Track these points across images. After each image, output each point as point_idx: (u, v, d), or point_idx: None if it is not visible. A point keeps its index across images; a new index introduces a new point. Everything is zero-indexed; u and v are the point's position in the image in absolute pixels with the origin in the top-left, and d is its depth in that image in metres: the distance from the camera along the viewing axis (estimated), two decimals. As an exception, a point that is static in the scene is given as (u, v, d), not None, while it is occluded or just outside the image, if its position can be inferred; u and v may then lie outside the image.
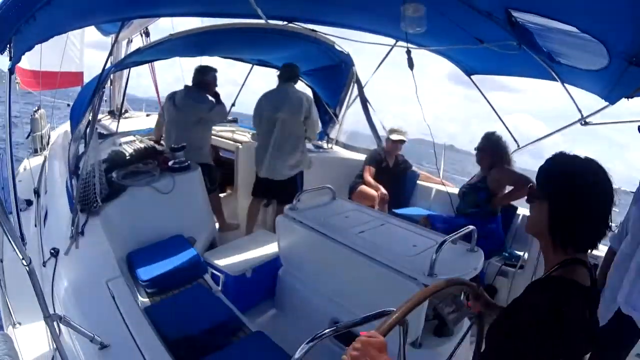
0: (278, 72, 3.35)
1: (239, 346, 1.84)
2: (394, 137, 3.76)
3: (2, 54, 1.59)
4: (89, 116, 2.45)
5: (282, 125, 3.22)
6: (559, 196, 0.91)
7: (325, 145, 4.29)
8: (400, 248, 2.02)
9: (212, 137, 3.90)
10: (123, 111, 4.92)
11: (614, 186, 0.90)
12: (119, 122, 4.13)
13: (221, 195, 3.78)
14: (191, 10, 2.78)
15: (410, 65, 2.95)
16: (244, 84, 4.95)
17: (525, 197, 1.01)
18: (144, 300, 2.30)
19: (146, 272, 2.40)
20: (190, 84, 3.40)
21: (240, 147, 3.82)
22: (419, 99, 3.59)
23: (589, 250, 0.94)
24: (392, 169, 3.74)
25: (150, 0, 2.42)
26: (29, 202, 2.75)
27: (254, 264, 2.65)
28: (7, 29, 1.47)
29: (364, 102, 4.04)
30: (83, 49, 5.45)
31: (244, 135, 4.10)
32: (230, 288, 2.55)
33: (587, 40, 1.59)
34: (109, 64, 3.00)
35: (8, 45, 1.57)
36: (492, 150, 3.06)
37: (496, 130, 3.16)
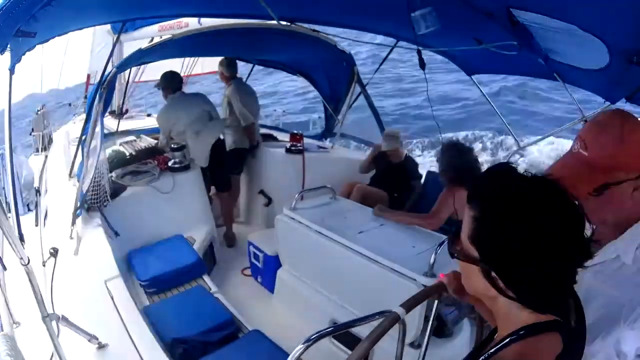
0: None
1: (238, 346, 1.85)
2: (385, 147, 3.66)
3: (2, 54, 1.60)
4: (95, 117, 2.46)
5: None
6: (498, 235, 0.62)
7: (325, 145, 4.29)
8: (399, 248, 2.02)
9: None
10: (124, 111, 4.93)
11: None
12: (119, 122, 4.14)
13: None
14: (194, 10, 2.78)
15: (422, 65, 2.95)
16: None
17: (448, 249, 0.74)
18: (143, 300, 2.31)
19: (145, 272, 2.40)
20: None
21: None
22: (429, 98, 3.59)
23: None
24: (395, 169, 3.66)
25: (153, 1, 2.42)
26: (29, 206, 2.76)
27: None
28: (8, 29, 1.47)
29: (369, 100, 4.06)
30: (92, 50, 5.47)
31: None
32: (267, 265, 2.80)
33: (588, 39, 1.59)
34: (110, 65, 3.01)
35: (8, 46, 1.58)
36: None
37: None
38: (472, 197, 0.67)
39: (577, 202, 0.62)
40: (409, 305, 1.10)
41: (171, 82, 3.37)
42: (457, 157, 2.45)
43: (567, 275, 0.62)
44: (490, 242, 0.63)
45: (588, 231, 0.65)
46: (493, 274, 0.63)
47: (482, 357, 0.66)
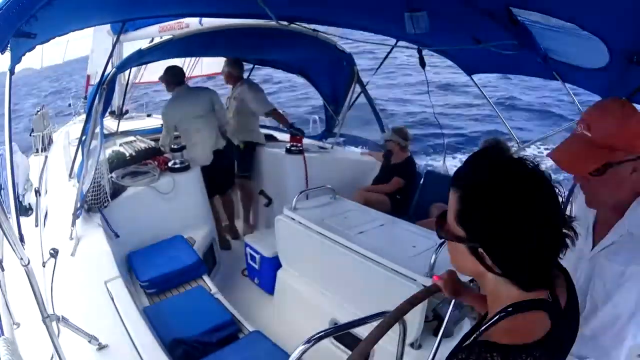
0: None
1: (238, 346, 1.84)
2: (385, 136, 3.69)
3: (2, 54, 1.60)
4: (95, 117, 2.46)
5: None
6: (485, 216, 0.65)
7: (325, 146, 4.28)
8: (399, 248, 2.02)
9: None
10: (124, 111, 4.93)
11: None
12: (119, 122, 4.14)
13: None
14: (194, 10, 2.78)
15: (422, 64, 2.95)
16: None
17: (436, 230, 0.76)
18: (143, 300, 2.31)
19: (145, 273, 2.40)
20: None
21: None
22: (430, 97, 3.59)
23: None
24: (396, 170, 3.64)
25: (153, 0, 2.42)
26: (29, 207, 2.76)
27: None
28: (8, 29, 1.47)
29: (370, 101, 4.06)
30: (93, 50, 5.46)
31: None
32: (264, 267, 2.83)
33: (588, 39, 1.59)
34: (110, 66, 3.01)
35: (8, 46, 1.57)
36: None
37: None
38: (456, 178, 0.70)
39: (554, 184, 0.66)
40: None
41: (175, 76, 3.38)
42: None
43: (550, 250, 0.66)
44: (474, 219, 0.66)
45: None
46: (480, 250, 0.67)
47: (474, 336, 0.69)
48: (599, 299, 1.05)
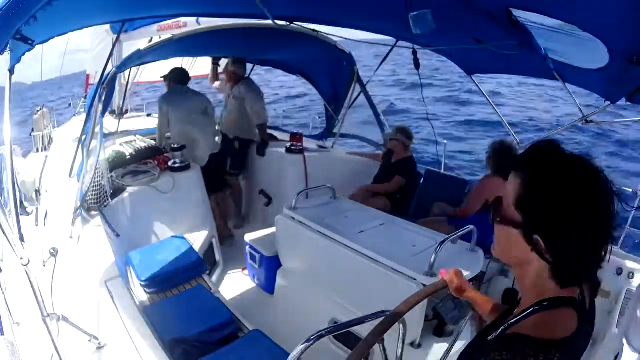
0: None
1: (238, 346, 1.85)
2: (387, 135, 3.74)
3: (1, 54, 1.60)
4: (95, 117, 2.46)
5: None
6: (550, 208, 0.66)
7: (326, 145, 4.29)
8: (399, 248, 2.02)
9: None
10: (124, 111, 4.93)
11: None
12: (119, 122, 4.14)
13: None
14: (194, 10, 2.78)
15: (417, 65, 2.95)
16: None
17: (491, 213, 0.76)
18: (143, 300, 2.31)
19: (145, 272, 2.40)
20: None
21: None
22: (424, 99, 3.58)
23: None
24: (397, 168, 3.64)
25: (153, 1, 2.42)
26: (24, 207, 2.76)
27: None
28: (7, 29, 1.47)
29: (370, 100, 4.06)
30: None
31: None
32: (265, 266, 2.85)
33: (588, 39, 1.59)
34: (110, 66, 3.01)
35: (8, 46, 1.57)
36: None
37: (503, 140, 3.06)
38: (520, 164, 0.71)
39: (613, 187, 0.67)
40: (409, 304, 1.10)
41: (179, 76, 3.50)
42: (507, 151, 2.82)
43: (600, 246, 0.67)
44: (536, 206, 0.67)
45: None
46: (535, 237, 0.67)
47: (503, 327, 0.69)
48: None
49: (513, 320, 0.69)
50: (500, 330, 0.69)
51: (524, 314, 0.68)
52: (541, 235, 0.67)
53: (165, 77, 3.55)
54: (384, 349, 1.08)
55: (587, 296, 0.74)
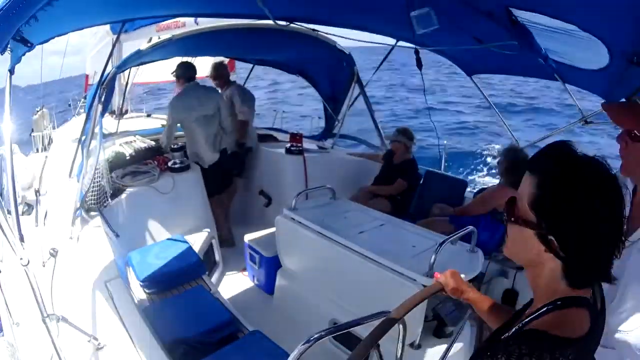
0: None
1: (238, 346, 1.84)
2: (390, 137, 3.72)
3: (2, 55, 1.60)
4: (95, 117, 2.46)
5: None
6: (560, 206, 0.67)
7: (325, 146, 4.29)
8: (399, 248, 2.02)
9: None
10: (123, 111, 4.93)
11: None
12: (119, 122, 4.14)
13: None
14: (194, 10, 2.78)
15: (419, 65, 2.94)
16: (244, 83, 4.95)
17: (505, 213, 0.76)
18: (142, 300, 2.31)
19: (145, 273, 2.40)
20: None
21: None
22: (426, 99, 3.58)
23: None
24: (398, 170, 3.65)
25: (153, 1, 2.42)
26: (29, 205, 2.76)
27: None
28: (8, 30, 1.47)
29: (367, 101, 4.06)
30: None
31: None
32: (264, 267, 2.83)
33: (588, 39, 1.59)
34: (109, 66, 3.01)
35: (8, 46, 1.57)
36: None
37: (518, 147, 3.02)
38: (535, 165, 0.72)
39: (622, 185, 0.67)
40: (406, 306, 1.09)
41: (186, 70, 3.37)
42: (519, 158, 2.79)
43: (613, 246, 0.67)
44: (551, 206, 0.67)
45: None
46: (550, 237, 0.68)
47: (517, 326, 0.70)
48: (629, 293, 1.06)
49: (528, 319, 0.69)
50: (515, 328, 0.70)
51: (540, 312, 0.69)
52: (555, 236, 0.67)
53: (177, 76, 3.42)
54: (380, 355, 1.07)
55: (598, 297, 0.75)
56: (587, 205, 0.64)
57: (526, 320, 0.70)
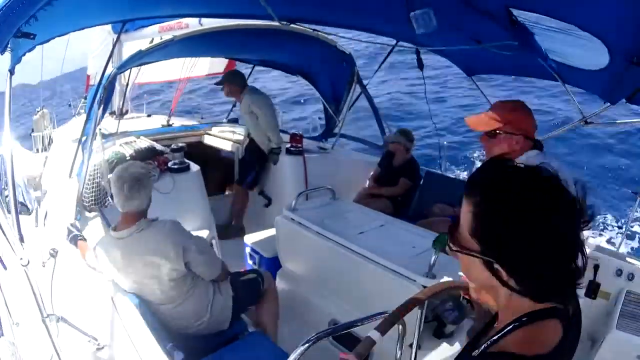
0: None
1: (238, 346, 1.84)
2: (390, 138, 3.73)
3: (2, 54, 1.60)
4: (95, 117, 2.46)
5: None
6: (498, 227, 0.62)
7: (326, 146, 4.28)
8: (399, 249, 2.02)
9: (213, 137, 3.91)
10: (124, 111, 4.93)
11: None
12: (119, 123, 4.14)
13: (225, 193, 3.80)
14: (194, 10, 2.78)
15: (420, 65, 2.94)
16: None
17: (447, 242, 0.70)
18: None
19: (146, 273, 2.39)
20: None
21: (240, 147, 3.84)
22: (427, 99, 3.58)
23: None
24: (398, 170, 3.61)
25: (153, 1, 2.42)
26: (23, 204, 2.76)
27: None
28: (8, 30, 1.48)
29: (370, 101, 4.06)
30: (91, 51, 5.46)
31: (242, 135, 4.11)
32: (264, 267, 2.77)
33: (588, 39, 1.59)
34: (110, 66, 3.01)
35: (8, 46, 1.58)
36: None
37: None
38: (470, 189, 0.66)
39: (573, 195, 0.62)
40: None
41: (242, 79, 3.68)
42: None
43: (568, 263, 0.62)
44: (492, 234, 0.62)
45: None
46: (496, 265, 0.63)
47: (484, 345, 0.66)
48: None
49: (495, 338, 0.65)
50: (482, 347, 0.66)
51: (505, 331, 0.64)
52: (501, 262, 0.62)
53: (238, 85, 3.62)
54: (405, 329, 1.10)
55: (571, 301, 0.70)
56: (530, 227, 0.59)
57: (493, 338, 0.65)
